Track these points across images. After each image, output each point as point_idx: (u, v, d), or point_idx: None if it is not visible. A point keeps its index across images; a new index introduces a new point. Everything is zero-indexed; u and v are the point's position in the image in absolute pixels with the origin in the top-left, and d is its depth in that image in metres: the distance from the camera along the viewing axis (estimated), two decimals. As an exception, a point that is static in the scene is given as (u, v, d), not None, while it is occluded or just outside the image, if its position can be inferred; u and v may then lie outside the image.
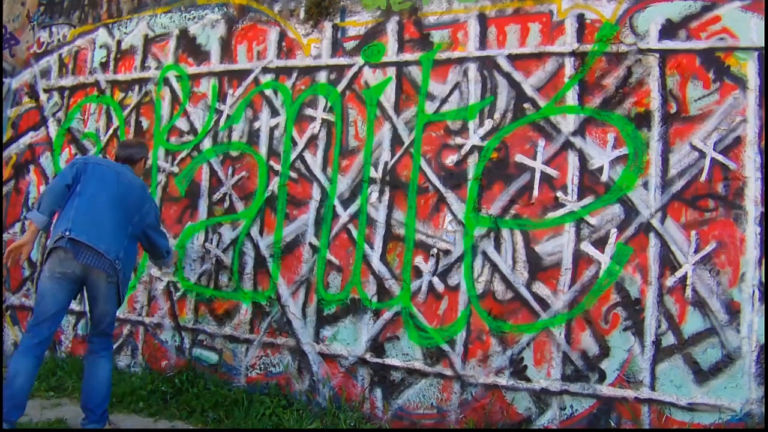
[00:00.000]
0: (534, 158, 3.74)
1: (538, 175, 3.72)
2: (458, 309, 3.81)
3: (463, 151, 3.91)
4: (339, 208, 4.22)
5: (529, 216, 3.72)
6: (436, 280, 3.89)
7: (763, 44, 3.32)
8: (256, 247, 4.45)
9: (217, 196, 4.65)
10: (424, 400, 3.83)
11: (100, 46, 5.35)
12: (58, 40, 5.61)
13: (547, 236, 3.66)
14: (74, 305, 4.91)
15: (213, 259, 4.58)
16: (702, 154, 3.39)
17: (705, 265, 3.33)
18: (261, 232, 4.45)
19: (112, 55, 5.27)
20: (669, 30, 3.52)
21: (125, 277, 3.55)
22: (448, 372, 3.78)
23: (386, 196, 4.09)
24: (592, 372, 3.47)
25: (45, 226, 3.47)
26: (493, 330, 3.71)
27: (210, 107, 4.77)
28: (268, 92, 4.57)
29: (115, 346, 4.78)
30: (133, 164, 3.83)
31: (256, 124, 4.58)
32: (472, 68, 3.94)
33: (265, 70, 4.59)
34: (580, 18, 3.71)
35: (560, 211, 3.65)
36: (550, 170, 3.70)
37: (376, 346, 3.99)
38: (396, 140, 4.11)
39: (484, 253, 3.79)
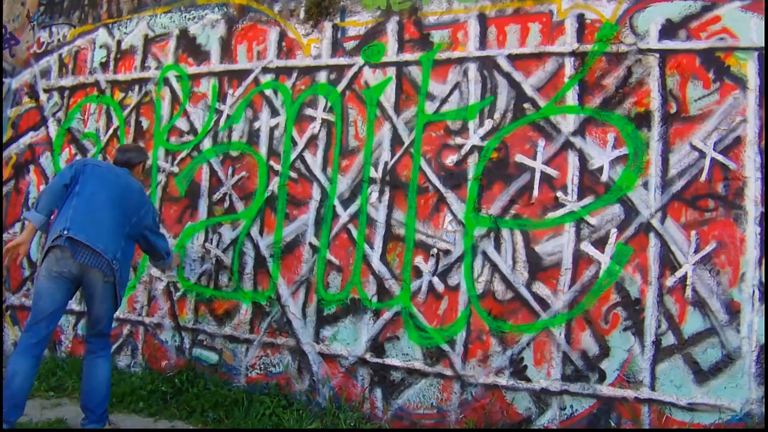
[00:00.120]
0: (534, 158, 3.74)
1: (538, 175, 3.72)
2: (458, 309, 3.81)
3: (463, 151, 3.91)
4: (339, 208, 4.22)
5: (529, 216, 3.72)
6: (436, 280, 3.89)
7: (763, 44, 3.32)
8: (256, 247, 4.45)
9: (217, 196, 4.65)
10: (424, 400, 3.83)
11: (100, 46, 5.35)
12: (58, 40, 5.61)
13: (547, 236, 3.66)
14: (74, 305, 4.93)
15: (213, 259, 4.58)
16: (702, 154, 3.39)
17: (705, 265, 3.33)
18: (261, 232, 4.45)
19: (112, 55, 5.27)
20: (669, 30, 3.52)
21: (122, 278, 3.54)
22: (448, 372, 3.78)
23: (386, 196, 4.09)
24: (592, 372, 3.47)
25: (42, 225, 3.47)
26: (493, 330, 3.71)
27: (210, 107, 4.77)
28: (268, 92, 4.57)
29: (115, 346, 4.79)
30: (131, 168, 3.84)
31: (256, 124, 4.58)
32: (472, 68, 3.94)
33: (265, 70, 4.59)
34: (580, 18, 3.71)
35: (560, 211, 3.65)
36: (550, 170, 3.70)
37: (376, 346, 3.99)
38: (396, 140, 4.11)
39: (484, 253, 3.79)
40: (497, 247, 3.76)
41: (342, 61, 4.34)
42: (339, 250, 4.19)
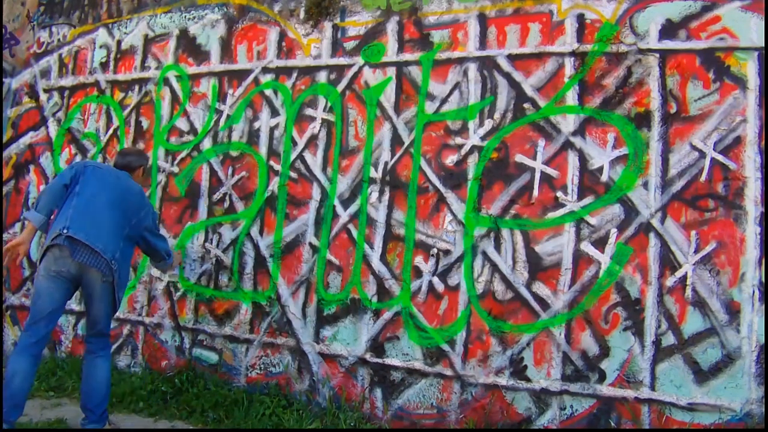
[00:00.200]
0: (534, 158, 3.74)
1: (538, 175, 3.72)
2: (458, 309, 3.81)
3: (463, 151, 3.91)
4: (339, 208, 4.22)
5: (529, 216, 3.72)
6: (436, 280, 3.89)
7: (763, 44, 3.32)
8: (256, 247, 4.45)
9: (217, 196, 4.65)
10: (424, 400, 3.83)
11: (100, 46, 5.35)
12: (58, 40, 5.61)
13: (547, 236, 3.66)
14: (74, 305, 4.93)
15: (213, 259, 4.58)
16: (702, 154, 3.39)
17: (705, 265, 3.33)
18: (261, 232, 4.45)
19: (112, 55, 5.27)
20: (669, 30, 3.52)
21: (121, 279, 3.53)
22: (448, 372, 3.78)
23: (386, 196, 4.09)
24: (592, 372, 3.47)
25: (42, 225, 3.48)
26: (493, 330, 3.71)
27: (210, 107, 4.77)
28: (268, 92, 4.57)
29: (115, 346, 4.79)
30: (131, 171, 3.84)
31: (256, 124, 4.58)
32: (472, 68, 3.94)
33: (265, 70, 4.59)
34: (580, 18, 3.71)
35: (560, 211, 3.65)
36: (550, 170, 3.70)
37: (376, 346, 3.99)
38: (396, 140, 4.11)
39: (484, 253, 3.79)
40: (497, 247, 3.76)
41: (342, 61, 4.34)
42: (339, 250, 4.19)
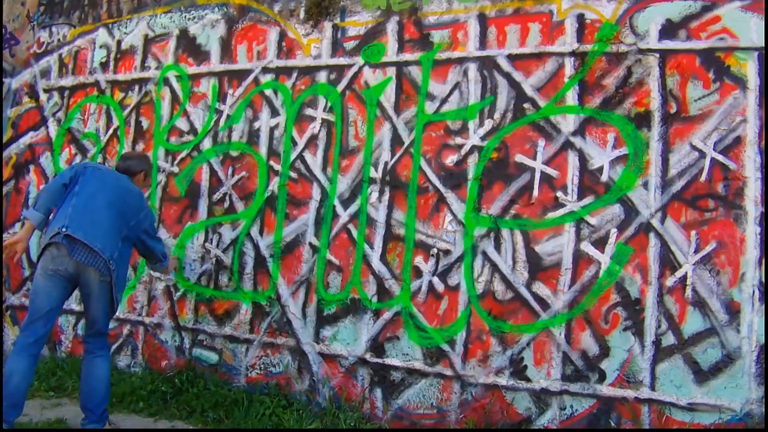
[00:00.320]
0: (534, 158, 3.74)
1: (538, 175, 3.72)
2: (458, 309, 3.81)
3: (463, 151, 3.91)
4: (339, 208, 4.22)
5: (529, 216, 3.72)
6: (436, 280, 3.89)
7: (763, 44, 3.32)
8: (256, 247, 4.45)
9: (217, 196, 4.65)
10: (424, 400, 3.83)
11: (100, 46, 5.35)
12: (58, 40, 5.61)
13: (547, 236, 3.66)
14: (74, 305, 4.93)
15: (213, 259, 4.58)
16: (702, 154, 3.39)
17: (705, 265, 3.33)
18: (261, 232, 4.45)
19: (112, 55, 5.27)
20: (669, 30, 3.52)
21: (119, 279, 3.53)
22: (448, 372, 3.78)
23: (386, 196, 4.09)
24: (592, 372, 3.47)
25: (40, 223, 3.48)
26: (493, 330, 3.71)
27: (210, 107, 4.77)
28: (268, 92, 4.57)
29: (115, 346, 4.79)
30: (131, 176, 3.84)
31: (256, 124, 4.58)
32: (472, 68, 3.94)
33: (265, 70, 4.59)
34: (580, 18, 3.71)
35: (560, 211, 3.64)
36: (550, 170, 3.70)
37: (376, 346, 3.99)
38: (396, 140, 4.11)
39: (484, 253, 3.79)
40: (497, 247, 3.76)
41: (342, 61, 4.34)
42: (339, 250, 4.19)
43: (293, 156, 4.41)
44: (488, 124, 3.87)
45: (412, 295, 3.93)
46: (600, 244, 3.54)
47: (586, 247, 3.57)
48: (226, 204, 4.60)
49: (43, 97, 5.57)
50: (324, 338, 4.15)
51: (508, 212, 3.76)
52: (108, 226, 3.49)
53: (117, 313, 4.48)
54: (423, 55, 4.09)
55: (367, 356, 4.00)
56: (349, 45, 4.34)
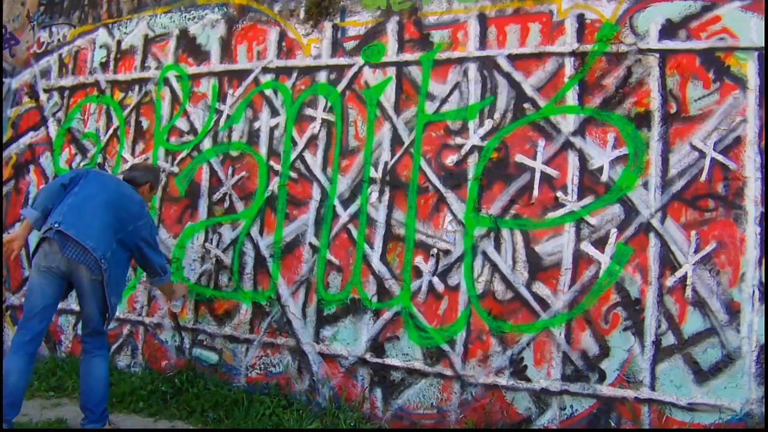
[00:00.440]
0: (534, 158, 3.74)
1: (538, 175, 3.72)
2: (458, 309, 3.81)
3: (463, 151, 3.91)
4: (339, 208, 4.22)
5: (529, 216, 3.72)
6: (436, 280, 3.89)
7: (763, 44, 3.32)
8: (256, 247, 4.45)
9: (217, 196, 4.65)
10: (424, 400, 3.83)
11: (100, 46, 5.35)
12: (58, 40, 5.61)
13: (547, 236, 3.66)
14: (74, 305, 4.93)
15: (213, 259, 4.59)
16: (702, 154, 3.39)
17: (705, 265, 3.33)
18: (261, 232, 4.45)
19: (112, 55, 5.27)
20: (669, 30, 3.52)
21: (112, 280, 3.46)
22: (448, 372, 3.78)
23: (386, 196, 4.09)
24: (592, 372, 3.47)
25: (37, 221, 3.49)
26: (493, 330, 3.71)
27: (210, 107, 4.77)
28: (268, 92, 4.57)
29: (115, 346, 4.79)
30: (136, 186, 3.81)
31: (256, 124, 4.58)
32: (472, 68, 3.94)
33: (265, 70, 4.59)
34: (580, 18, 3.71)
35: (560, 211, 3.65)
36: (550, 170, 3.70)
37: (376, 346, 3.99)
38: (396, 140, 4.11)
39: (484, 253, 3.79)
40: (497, 247, 3.76)
41: (342, 61, 4.34)
42: (339, 250, 4.19)
43: (293, 156, 4.41)
44: (488, 124, 3.87)
45: (412, 295, 3.93)
46: (600, 244, 3.54)
47: (586, 247, 3.57)
48: (226, 204, 4.60)
49: (43, 97, 5.57)
50: (324, 338, 4.15)
51: (508, 212, 3.76)
52: (102, 226, 3.46)
53: (117, 313, 4.49)
54: (423, 55, 4.09)
55: (367, 356, 4.00)
56: (349, 45, 4.34)
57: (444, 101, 4.00)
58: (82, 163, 5.27)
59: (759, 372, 3.16)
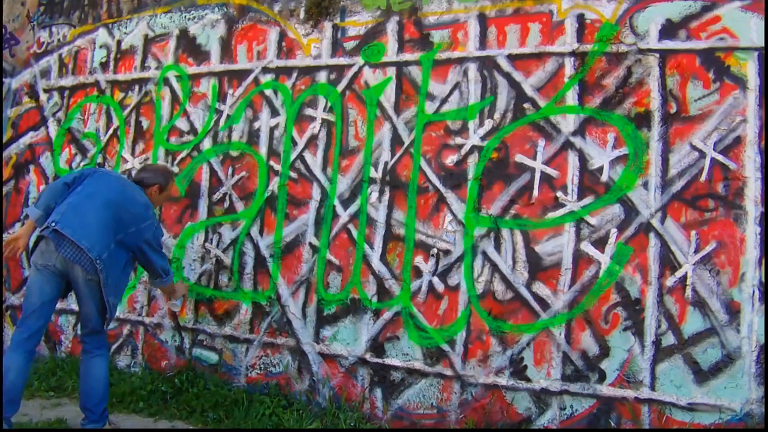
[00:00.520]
0: (534, 158, 3.74)
1: (538, 175, 3.72)
2: (458, 309, 3.81)
3: (463, 151, 3.91)
4: (339, 208, 4.22)
5: (529, 216, 3.72)
6: (436, 280, 3.89)
7: (763, 44, 3.32)
8: (256, 247, 4.45)
9: (217, 196, 4.65)
10: (424, 400, 3.83)
11: (100, 46, 5.35)
12: (58, 40, 5.61)
13: (547, 236, 3.66)
14: (74, 305, 4.93)
15: (213, 259, 4.59)
16: (702, 154, 3.39)
17: (705, 265, 3.33)
18: (261, 232, 4.45)
19: (112, 55, 5.27)
20: (669, 30, 3.52)
21: (110, 281, 3.43)
22: (448, 372, 3.78)
23: (386, 196, 4.09)
24: (592, 372, 3.47)
25: (39, 220, 3.50)
26: (493, 330, 3.71)
27: (210, 107, 4.77)
28: (268, 92, 4.57)
29: (115, 346, 4.79)
30: (144, 188, 3.78)
31: (256, 124, 4.58)
32: (472, 68, 3.94)
33: (265, 70, 4.59)
34: (580, 18, 3.71)
35: (560, 211, 3.65)
36: (550, 170, 3.70)
37: (376, 346, 3.99)
38: (396, 140, 4.11)
39: (484, 253, 3.79)
40: (497, 247, 3.76)
41: (342, 61, 4.34)
42: (339, 250, 4.19)
43: (293, 156, 4.41)
44: (488, 124, 3.87)
45: (412, 295, 3.93)
46: (600, 244, 3.54)
47: (586, 247, 3.57)
48: (226, 204, 4.60)
49: (43, 97, 5.57)
50: (324, 338, 4.15)
51: (508, 212, 3.76)
52: (99, 226, 3.44)
53: (117, 313, 4.49)
54: (423, 55, 4.09)
55: (367, 356, 4.00)
56: (349, 45, 4.34)
57: (444, 101, 4.00)
58: (82, 163, 5.27)
59: (759, 372, 3.16)
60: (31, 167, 5.53)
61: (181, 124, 4.87)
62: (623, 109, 3.57)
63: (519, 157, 3.77)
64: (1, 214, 5.54)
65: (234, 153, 4.63)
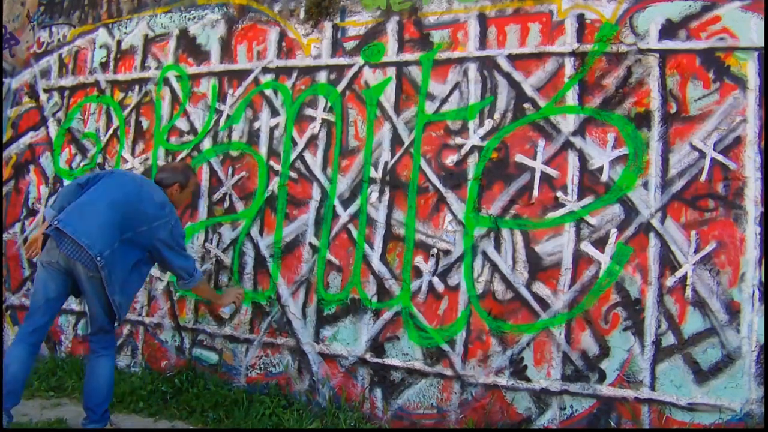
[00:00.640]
0: (534, 158, 3.74)
1: (538, 175, 3.72)
2: (458, 309, 3.81)
3: (463, 151, 3.91)
4: (339, 208, 4.22)
5: (529, 216, 3.72)
6: (436, 280, 3.89)
7: (763, 44, 3.32)
8: (256, 247, 4.45)
9: (217, 196, 4.65)
10: (424, 400, 3.83)
11: (100, 46, 5.35)
12: (58, 40, 5.61)
13: (547, 236, 3.66)
14: (74, 305, 4.94)
15: (213, 259, 4.59)
16: (702, 154, 3.39)
17: (705, 265, 3.33)
18: (261, 232, 4.45)
19: (112, 55, 5.27)
20: (669, 30, 3.52)
21: (112, 279, 3.38)
22: (448, 372, 3.78)
23: (386, 196, 4.09)
24: (592, 372, 3.47)
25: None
26: (493, 330, 3.71)
27: (210, 107, 4.77)
28: (268, 92, 4.57)
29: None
30: (164, 188, 3.76)
31: (256, 124, 4.58)
32: (472, 68, 3.94)
33: (265, 70, 4.59)
34: (580, 18, 3.71)
35: (560, 211, 3.65)
36: (550, 170, 3.70)
37: (376, 346, 3.99)
38: (396, 140, 4.11)
39: (484, 253, 3.79)
40: (497, 247, 3.76)
41: (342, 61, 4.34)
42: (339, 250, 4.19)
43: (293, 156, 4.41)
44: (488, 124, 3.87)
45: (412, 295, 3.93)
46: (600, 244, 3.54)
47: (586, 247, 3.57)
48: (226, 204, 4.60)
49: (43, 97, 5.57)
50: (324, 338, 4.15)
51: (508, 212, 3.76)
52: (102, 225, 3.41)
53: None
54: (423, 55, 4.09)
55: (367, 356, 4.00)
56: (349, 45, 4.34)
57: (444, 101, 4.00)
58: (82, 164, 5.27)
59: (759, 372, 3.16)
60: (31, 167, 5.53)
61: (181, 124, 4.87)
62: (623, 109, 3.57)
63: (519, 157, 3.77)
64: (1, 214, 5.54)
65: (234, 153, 4.64)
